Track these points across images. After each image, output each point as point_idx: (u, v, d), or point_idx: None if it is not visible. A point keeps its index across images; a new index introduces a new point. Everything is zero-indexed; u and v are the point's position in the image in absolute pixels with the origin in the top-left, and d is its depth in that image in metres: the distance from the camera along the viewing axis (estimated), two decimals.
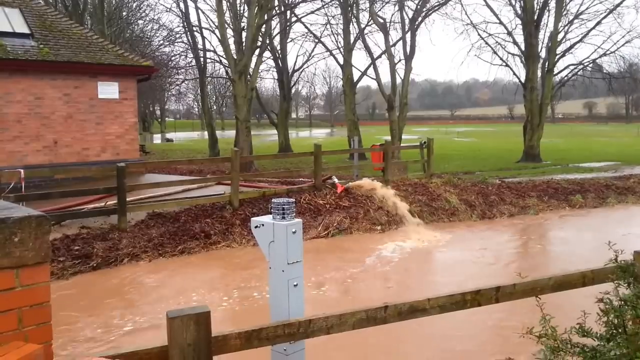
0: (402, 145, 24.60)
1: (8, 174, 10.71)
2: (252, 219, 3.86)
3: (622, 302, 2.65)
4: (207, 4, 58.23)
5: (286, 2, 28.88)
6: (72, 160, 15.29)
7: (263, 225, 3.73)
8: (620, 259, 2.87)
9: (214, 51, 34.94)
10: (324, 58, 38.79)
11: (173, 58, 36.59)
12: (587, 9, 29.31)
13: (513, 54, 29.53)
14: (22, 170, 10.82)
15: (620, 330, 2.65)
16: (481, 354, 6.00)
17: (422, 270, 10.08)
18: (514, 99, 39.57)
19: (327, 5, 29.78)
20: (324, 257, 10.27)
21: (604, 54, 29.05)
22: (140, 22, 39.23)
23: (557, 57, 27.92)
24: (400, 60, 27.59)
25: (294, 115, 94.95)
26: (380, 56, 29.76)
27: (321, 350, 5.14)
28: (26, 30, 15.43)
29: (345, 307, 3.38)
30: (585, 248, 10.79)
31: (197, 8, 37.56)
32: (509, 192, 15.28)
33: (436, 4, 27.77)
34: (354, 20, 29.90)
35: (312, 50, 46.41)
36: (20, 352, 2.02)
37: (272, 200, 3.77)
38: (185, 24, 32.73)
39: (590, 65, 30.22)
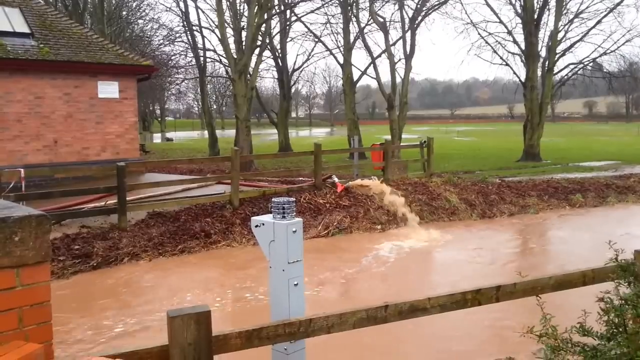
0: (402, 144, 24.61)
1: (8, 173, 10.72)
2: (253, 218, 3.86)
3: (623, 301, 2.65)
4: (207, 4, 58.21)
5: (286, 1, 28.89)
6: (72, 160, 15.29)
7: (263, 224, 3.73)
8: (620, 258, 2.87)
9: (214, 50, 34.99)
10: (324, 57, 38.86)
11: (173, 57, 36.63)
12: (587, 7, 29.33)
13: (513, 53, 29.54)
14: (22, 170, 10.83)
15: (620, 330, 2.65)
16: (480, 354, 5.99)
17: (421, 271, 10.08)
18: (514, 98, 39.58)
19: (326, 5, 29.76)
20: (324, 256, 10.26)
21: (604, 53, 29.05)
22: (140, 21, 39.24)
23: (557, 56, 27.92)
24: (400, 60, 27.60)
25: (294, 115, 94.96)
26: (380, 55, 29.76)
27: (320, 350, 5.14)
28: (26, 30, 15.42)
29: (342, 307, 3.38)
30: (585, 248, 10.79)
31: (197, 7, 37.73)
32: (509, 192, 15.28)
33: (436, 3, 27.78)
34: (353, 19, 29.88)
35: (312, 50, 46.39)
36: (21, 352, 2.01)
37: (273, 199, 3.77)
38: (185, 23, 32.75)
39: (591, 64, 30.22)
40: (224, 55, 25.57)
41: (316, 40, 33.73)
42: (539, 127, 26.79)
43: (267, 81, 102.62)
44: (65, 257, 9.26)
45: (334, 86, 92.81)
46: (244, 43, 23.51)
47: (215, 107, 71.96)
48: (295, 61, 49.94)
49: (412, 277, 9.48)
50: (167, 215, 11.40)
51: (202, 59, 33.49)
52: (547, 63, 27.54)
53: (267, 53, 32.24)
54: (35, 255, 2.15)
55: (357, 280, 9.07)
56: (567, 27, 28.72)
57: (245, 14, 26.02)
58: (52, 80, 15.07)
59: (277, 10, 28.43)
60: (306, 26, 34.63)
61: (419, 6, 27.10)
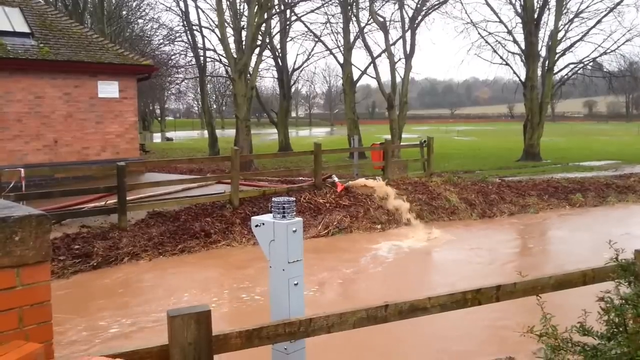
0: (402, 144, 24.61)
1: (8, 173, 10.72)
2: (253, 218, 3.86)
3: (623, 301, 2.65)
4: (207, 3, 58.21)
5: (286, 1, 28.87)
6: (72, 159, 15.29)
7: (263, 224, 3.73)
8: (620, 258, 2.87)
9: (214, 50, 34.98)
10: (324, 57, 38.89)
11: (173, 57, 36.63)
12: (587, 7, 29.34)
13: (513, 53, 29.53)
14: (22, 169, 10.83)
15: (621, 329, 2.65)
16: (480, 354, 5.99)
17: (420, 271, 10.07)
18: (514, 98, 39.57)
19: (326, 4, 29.75)
20: (323, 256, 10.26)
21: (604, 53, 29.04)
22: (140, 21, 39.24)
23: (557, 55, 27.91)
24: (400, 59, 27.60)
25: (293, 114, 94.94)
26: (380, 55, 29.75)
27: (319, 350, 5.14)
28: (26, 30, 15.42)
29: (341, 307, 3.38)
30: (585, 248, 10.79)
31: (196, 7, 37.73)
32: (509, 191, 15.28)
33: (436, 2, 27.76)
34: (353, 19, 29.87)
35: (312, 49, 46.30)
36: (21, 351, 2.01)
37: (273, 199, 3.77)
38: (185, 22, 32.74)
39: (591, 63, 30.22)
40: (224, 55, 25.57)
41: (316, 39, 33.74)
42: (539, 127, 26.79)
43: (267, 81, 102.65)
44: (66, 256, 9.26)
45: (334, 86, 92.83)
46: (244, 42, 23.51)
47: (215, 106, 71.95)
48: (295, 61, 50.06)
49: (411, 277, 9.48)
50: (167, 214, 11.40)
51: (202, 58, 33.49)
52: (547, 63, 27.53)
53: (267, 53, 32.28)
54: (35, 255, 2.15)
55: (357, 281, 9.07)
56: (567, 26, 28.73)
57: (245, 13, 26.02)
58: (52, 80, 15.07)
59: (277, 10, 28.43)
60: (306, 26, 34.67)
61: (419, 6, 27.11)
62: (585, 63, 29.68)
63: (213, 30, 32.15)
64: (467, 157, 28.22)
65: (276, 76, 36.63)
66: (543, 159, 25.98)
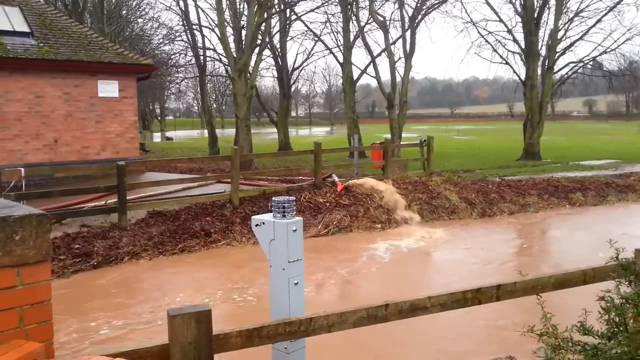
0: (402, 143, 24.60)
1: (9, 172, 10.71)
2: (253, 217, 3.86)
3: (624, 300, 2.65)
4: (207, 2, 58.23)
5: (286, 0, 28.85)
6: (72, 159, 15.29)
7: (264, 223, 3.73)
8: (621, 257, 2.87)
9: (214, 49, 34.92)
10: (324, 56, 38.89)
11: (173, 56, 36.58)
12: (587, 6, 29.28)
13: (513, 52, 29.50)
14: (22, 169, 10.83)
15: (621, 329, 2.65)
16: (479, 354, 5.99)
17: (420, 270, 10.07)
18: (514, 97, 39.56)
19: (326, 4, 29.74)
20: (322, 256, 10.27)
21: (604, 52, 29.00)
22: (139, 20, 39.22)
23: (557, 54, 27.89)
24: (400, 58, 27.57)
25: (293, 114, 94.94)
26: (380, 54, 29.74)
27: (318, 350, 5.14)
28: (26, 29, 15.41)
29: (340, 307, 3.38)
30: (584, 247, 10.79)
31: (196, 6, 37.60)
32: (509, 190, 15.28)
33: (436, 2, 27.72)
34: (353, 18, 29.84)
35: (312, 49, 46.41)
36: (22, 351, 2.01)
37: (273, 198, 3.77)
38: (184, 22, 32.71)
39: (591, 62, 30.18)
40: (224, 54, 25.55)
41: (316, 39, 33.70)
42: (539, 126, 26.78)
43: (267, 80, 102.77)
44: (66, 256, 9.27)
45: (334, 85, 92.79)
46: (243, 42, 23.50)
47: (215, 106, 71.92)
48: (295, 60, 49.91)
49: (409, 277, 9.47)
50: (167, 214, 11.40)
51: (201, 57, 33.46)
52: (547, 62, 27.51)
53: (267, 52, 32.23)
54: (35, 255, 2.15)
55: (356, 280, 9.07)
56: (567, 25, 28.70)
57: (245, 12, 26.00)
58: (52, 80, 15.07)
59: (277, 9, 28.40)
60: (306, 25, 34.66)
61: (418, 5, 27.07)
62: (585, 62, 29.66)
63: (213, 30, 32.16)
64: (467, 156, 28.22)
65: (276, 75, 36.62)
66: (543, 158, 25.97)
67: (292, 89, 39.42)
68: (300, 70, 40.23)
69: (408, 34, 27.15)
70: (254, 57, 24.61)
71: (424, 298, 3.25)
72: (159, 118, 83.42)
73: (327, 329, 3.04)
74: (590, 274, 3.60)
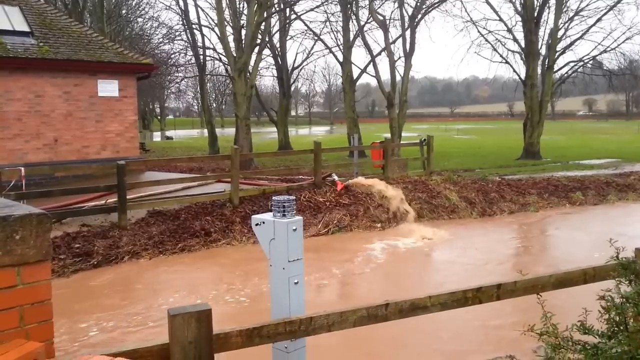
0: (402, 142, 24.60)
1: (9, 172, 10.71)
2: (253, 216, 3.86)
3: (624, 300, 2.65)
4: (207, 2, 58.18)
5: None
6: (72, 158, 15.29)
7: (264, 222, 3.73)
8: (621, 256, 2.87)
9: (214, 49, 34.90)
10: (324, 55, 38.88)
11: (173, 56, 36.54)
12: (587, 5, 29.34)
13: (513, 51, 29.49)
14: (22, 168, 10.82)
15: (621, 328, 2.65)
16: (478, 353, 5.99)
17: (419, 270, 10.08)
18: (514, 96, 39.53)
19: (326, 3, 29.74)
20: (322, 255, 10.27)
21: (604, 51, 28.98)
22: (139, 19, 39.23)
23: (557, 54, 27.88)
24: (399, 58, 27.55)
25: (293, 113, 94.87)
26: (379, 53, 29.72)
27: (314, 350, 5.14)
28: (26, 29, 15.40)
29: (335, 306, 3.38)
30: (584, 247, 10.79)
31: (196, 6, 37.56)
32: (509, 190, 15.28)
33: (436, 1, 27.71)
34: (353, 17, 29.82)
35: (312, 48, 46.45)
36: (22, 350, 2.02)
37: (273, 197, 3.77)
38: (184, 21, 32.69)
39: (591, 62, 30.15)
40: (224, 54, 25.56)
41: (316, 38, 33.70)
42: (539, 125, 26.78)
43: (267, 79, 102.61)
44: (66, 255, 9.27)
45: (334, 84, 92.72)
46: (243, 41, 23.50)
47: (214, 105, 71.88)
48: (295, 59, 49.87)
49: (410, 276, 9.49)
50: (167, 213, 11.40)
51: (201, 57, 33.44)
52: (547, 61, 27.51)
53: (266, 51, 32.21)
54: (36, 254, 2.15)
55: (356, 280, 9.07)
56: (567, 24, 28.69)
57: (245, 12, 26.00)
58: (52, 79, 15.06)
59: (277, 9, 28.39)
60: (306, 24, 34.59)
61: (418, 4, 27.07)
62: (585, 61, 29.63)
63: (213, 29, 32.13)
64: (467, 155, 28.22)
65: (276, 75, 36.62)
66: (543, 158, 25.97)
67: (292, 88, 39.42)
68: (300, 70, 40.26)
69: (408, 33, 27.15)
70: (253, 57, 24.61)
71: (424, 297, 3.25)
72: (159, 117, 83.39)
73: (327, 328, 3.04)
74: (590, 273, 3.60)
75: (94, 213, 10.80)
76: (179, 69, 39.51)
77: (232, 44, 24.52)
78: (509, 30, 28.43)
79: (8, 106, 14.42)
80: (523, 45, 27.26)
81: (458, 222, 13.21)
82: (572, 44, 28.93)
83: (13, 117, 14.52)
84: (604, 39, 29.54)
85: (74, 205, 11.28)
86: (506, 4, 47.85)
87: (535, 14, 26.61)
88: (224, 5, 24.34)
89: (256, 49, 25.11)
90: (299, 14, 32.14)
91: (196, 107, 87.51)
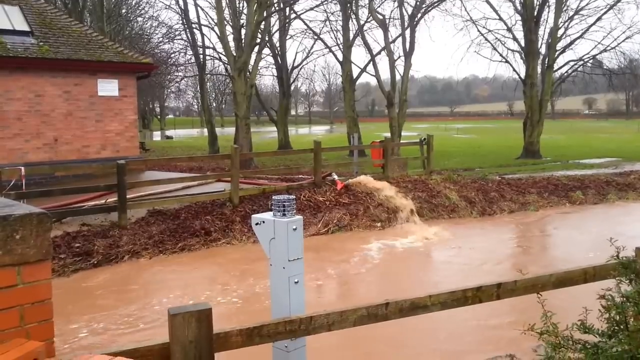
0: (401, 142, 24.60)
1: (9, 171, 10.70)
2: (253, 216, 3.86)
3: (624, 299, 2.65)
4: (206, 1, 58.10)
5: None
6: (72, 158, 15.29)
7: (264, 222, 3.73)
8: (621, 256, 2.87)
9: (214, 48, 34.86)
10: (324, 55, 38.80)
11: (172, 55, 36.53)
12: (587, 4, 29.22)
13: (513, 50, 29.50)
14: (22, 168, 10.81)
15: (622, 327, 2.65)
16: (477, 352, 5.99)
17: (419, 269, 10.08)
18: (514, 96, 39.49)
19: (326, 2, 29.73)
20: (322, 255, 10.27)
21: (604, 50, 28.99)
22: (139, 19, 39.19)
23: (557, 53, 27.88)
24: (399, 57, 27.54)
25: (293, 112, 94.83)
26: (379, 53, 29.71)
27: (319, 350, 5.14)
28: (26, 28, 15.40)
29: (333, 306, 3.38)
30: (585, 247, 10.78)
31: (196, 5, 37.56)
32: (509, 189, 15.28)
33: (435, 0, 27.72)
34: (353, 16, 29.82)
35: (312, 47, 46.15)
36: (22, 350, 2.02)
37: (273, 197, 3.77)
38: (184, 21, 32.67)
39: (591, 61, 30.14)
40: (224, 53, 25.54)
41: (315, 37, 33.70)
42: (539, 125, 26.78)
43: (267, 79, 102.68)
44: (66, 255, 9.26)
45: (334, 84, 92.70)
46: (243, 41, 23.49)
47: (214, 104, 71.89)
48: (295, 59, 49.87)
49: (410, 276, 9.49)
50: (167, 213, 11.40)
51: (201, 56, 33.42)
52: (547, 60, 27.51)
53: (266, 50, 32.21)
54: (36, 254, 2.15)
55: (356, 279, 9.08)
56: (567, 24, 28.69)
57: (245, 11, 25.99)
58: (52, 78, 15.06)
59: (277, 8, 28.38)
60: (305, 24, 34.51)
61: (418, 3, 27.05)
62: (585, 60, 29.63)
63: (212, 28, 32.10)
64: (466, 154, 28.22)
65: (276, 74, 36.63)
66: (543, 157, 25.98)
67: (292, 87, 39.42)
68: (300, 69, 40.27)
69: (408, 32, 27.14)
70: (253, 56, 24.60)
71: (424, 297, 3.25)
72: (159, 117, 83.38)
73: (327, 327, 3.04)
74: (590, 273, 3.59)
75: (94, 212, 10.79)
76: (178, 68, 39.52)
77: (231, 43, 24.52)
78: (509, 30, 28.44)
79: (8, 106, 14.42)
80: (523, 45, 27.26)
81: (458, 222, 13.21)
82: (572, 43, 28.95)
83: (13, 116, 14.51)
84: (604, 38, 29.55)
85: (74, 204, 11.27)
86: (506, 3, 47.84)
87: (535, 13, 26.61)
88: (223, 4, 24.35)
89: (256, 48, 25.12)
90: (298, 13, 32.16)
91: (196, 106, 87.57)
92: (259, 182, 14.56)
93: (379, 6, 29.31)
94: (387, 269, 9.69)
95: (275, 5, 27.42)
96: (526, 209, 14.38)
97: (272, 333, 2.91)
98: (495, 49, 29.59)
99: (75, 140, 15.49)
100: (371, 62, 28.75)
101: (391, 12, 46.45)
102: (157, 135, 62.19)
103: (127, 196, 10.82)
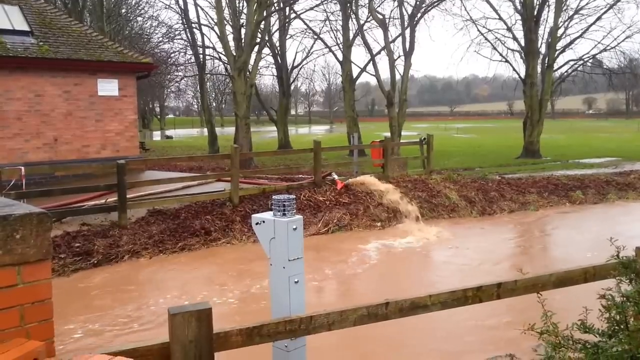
0: (401, 141, 24.60)
1: (9, 171, 10.71)
2: (253, 215, 3.86)
3: (624, 299, 2.65)
4: (206, 1, 58.11)
5: None
6: (72, 158, 15.29)
7: (264, 222, 3.73)
8: (622, 255, 2.87)
9: (213, 48, 34.87)
10: (323, 54, 38.80)
11: (172, 55, 36.52)
12: (587, 4, 29.25)
13: (513, 50, 29.53)
14: (22, 168, 10.82)
15: (622, 327, 2.65)
16: (477, 352, 6.00)
17: (419, 269, 10.08)
18: (514, 95, 39.50)
19: (326, 2, 29.73)
20: (322, 255, 10.27)
21: (604, 50, 28.99)
22: (139, 19, 39.20)
23: (557, 52, 27.88)
24: (399, 57, 27.53)
25: (293, 112, 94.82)
26: (379, 52, 29.71)
27: (319, 349, 5.14)
28: (26, 28, 15.40)
29: (331, 306, 3.38)
30: (584, 246, 10.78)
31: (196, 5, 37.53)
32: (509, 189, 15.28)
33: (435, 0, 27.71)
34: (353, 16, 29.81)
35: (312, 47, 46.23)
36: (22, 349, 2.02)
37: (273, 197, 3.77)
38: (184, 20, 32.66)
39: (590, 60, 30.16)
40: (224, 53, 25.54)
41: (315, 37, 33.70)
42: (539, 124, 26.78)
43: (267, 78, 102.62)
44: (66, 254, 9.26)
45: (334, 83, 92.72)
46: (243, 40, 23.49)
47: (214, 104, 71.88)
48: (295, 58, 49.89)
49: (410, 276, 9.49)
50: (167, 212, 11.40)
51: (201, 56, 33.42)
52: (546, 60, 27.51)
53: (266, 50, 32.21)
54: (36, 253, 2.15)
55: (355, 279, 9.07)
56: (567, 23, 28.69)
57: (245, 11, 25.99)
58: (51, 78, 15.06)
59: (276, 7, 28.38)
60: (305, 23, 34.51)
61: (418, 3, 27.04)
62: (585, 60, 29.64)
63: (212, 28, 32.11)
64: (466, 154, 28.22)
65: (275, 74, 36.62)
66: (543, 156, 25.98)
67: (292, 87, 39.42)
68: (300, 69, 40.28)
69: (407, 32, 27.14)
70: (253, 56, 24.60)
71: (424, 296, 3.24)
72: (159, 117, 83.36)
73: (327, 327, 3.04)
74: (591, 272, 3.59)
75: (94, 212, 10.79)
76: (178, 68, 39.50)
77: (231, 43, 24.52)
78: (509, 29, 28.44)
79: (8, 105, 14.42)
80: (523, 44, 27.26)
81: (458, 221, 13.21)
82: (571, 42, 28.96)
83: (13, 116, 14.51)
84: (603, 38, 29.62)
85: (74, 204, 11.27)
86: (506, 3, 47.85)
87: (535, 13, 26.61)
88: (223, 4, 24.36)
89: (256, 48, 25.11)
90: (298, 12, 32.16)
91: (196, 106, 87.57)
92: (259, 182, 14.56)
93: (379, 6, 29.34)
94: (387, 268, 9.69)
95: (275, 5, 27.42)
96: (526, 209, 14.38)
97: (272, 333, 2.91)
98: (495, 48, 29.63)
99: (75, 140, 15.49)
100: (371, 62, 28.74)
101: (391, 11, 46.50)
102: (157, 135, 62.18)
103: (127, 196, 10.82)
